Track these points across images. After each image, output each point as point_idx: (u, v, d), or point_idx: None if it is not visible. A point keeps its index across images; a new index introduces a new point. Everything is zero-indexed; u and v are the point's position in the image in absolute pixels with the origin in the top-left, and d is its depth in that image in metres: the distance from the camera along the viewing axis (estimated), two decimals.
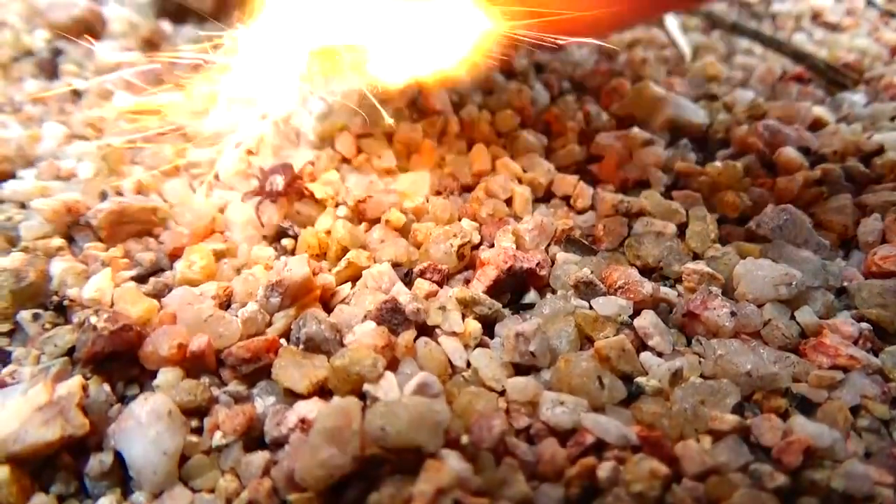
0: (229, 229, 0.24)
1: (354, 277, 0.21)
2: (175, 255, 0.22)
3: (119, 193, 0.24)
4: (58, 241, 0.21)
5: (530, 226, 0.22)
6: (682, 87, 0.30)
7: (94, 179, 0.24)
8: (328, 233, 0.22)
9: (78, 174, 0.24)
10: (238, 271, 0.22)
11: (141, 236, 0.23)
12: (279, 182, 0.23)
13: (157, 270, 0.22)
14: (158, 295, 0.21)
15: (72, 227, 0.22)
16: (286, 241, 0.23)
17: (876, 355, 0.18)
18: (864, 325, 0.18)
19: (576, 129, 0.27)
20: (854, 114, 0.28)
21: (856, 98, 0.28)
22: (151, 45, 0.31)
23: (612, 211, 0.22)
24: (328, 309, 0.20)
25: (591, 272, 0.20)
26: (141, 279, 0.21)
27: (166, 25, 0.33)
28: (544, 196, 0.24)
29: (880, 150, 0.25)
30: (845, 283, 0.20)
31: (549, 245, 0.22)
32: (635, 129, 0.26)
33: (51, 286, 0.20)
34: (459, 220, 0.23)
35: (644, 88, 0.28)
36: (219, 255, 0.22)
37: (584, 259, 0.21)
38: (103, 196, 0.23)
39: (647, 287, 0.20)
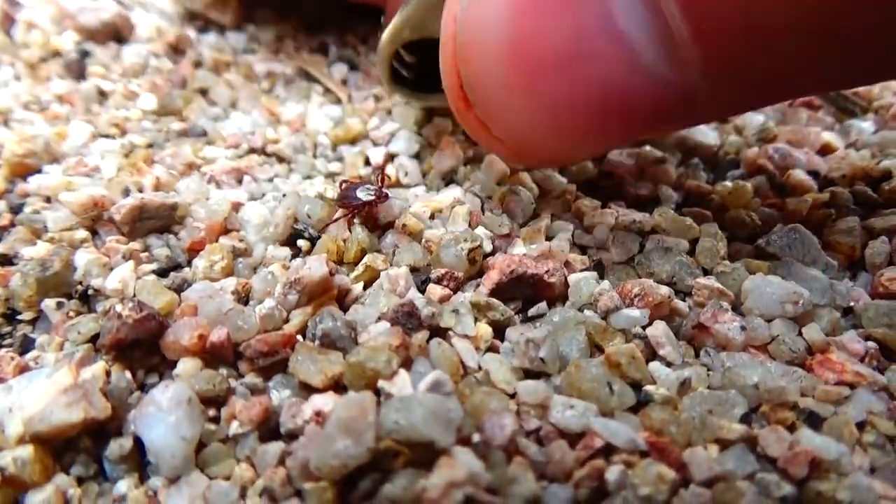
0: (243, 228, 0.24)
1: (370, 280, 0.22)
2: (192, 250, 0.23)
3: (140, 190, 0.24)
4: (82, 234, 0.22)
5: (538, 243, 0.22)
6: None
7: (117, 176, 0.24)
8: (344, 240, 0.23)
9: (102, 171, 0.25)
10: (254, 270, 0.23)
11: (161, 232, 0.23)
12: (366, 195, 0.23)
13: (175, 266, 0.22)
14: (178, 289, 0.21)
15: (96, 221, 0.22)
16: (301, 243, 0.24)
17: (882, 373, 0.18)
18: (871, 343, 0.19)
19: None
20: (863, 140, 0.28)
21: (864, 125, 0.29)
22: (177, 50, 0.31)
23: (625, 228, 0.23)
24: (343, 308, 0.21)
25: (609, 285, 0.20)
26: (162, 273, 0.22)
27: (191, 32, 0.34)
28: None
29: (888, 176, 0.25)
30: (852, 303, 0.20)
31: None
32: (647, 148, 0.27)
33: (75, 276, 0.21)
34: (473, 227, 0.23)
35: None
36: (236, 254, 0.23)
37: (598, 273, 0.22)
38: (126, 192, 0.23)
39: (664, 290, 0.20)
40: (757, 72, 0.16)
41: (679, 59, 0.16)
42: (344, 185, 0.24)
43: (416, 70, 0.25)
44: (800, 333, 0.19)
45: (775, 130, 0.28)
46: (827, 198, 0.24)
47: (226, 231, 0.24)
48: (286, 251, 0.23)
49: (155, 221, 0.23)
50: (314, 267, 0.20)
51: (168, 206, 0.23)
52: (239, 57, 0.34)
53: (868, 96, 0.32)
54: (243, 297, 0.21)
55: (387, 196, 0.23)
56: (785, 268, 0.21)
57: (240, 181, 0.26)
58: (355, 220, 0.24)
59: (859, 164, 0.26)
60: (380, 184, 0.24)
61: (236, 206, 0.24)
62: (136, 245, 0.22)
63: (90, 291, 0.20)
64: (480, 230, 0.23)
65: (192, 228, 0.23)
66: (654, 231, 0.23)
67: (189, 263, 0.22)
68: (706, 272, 0.22)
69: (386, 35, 0.24)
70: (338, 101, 0.32)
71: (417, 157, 0.27)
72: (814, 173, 0.26)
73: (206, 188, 0.25)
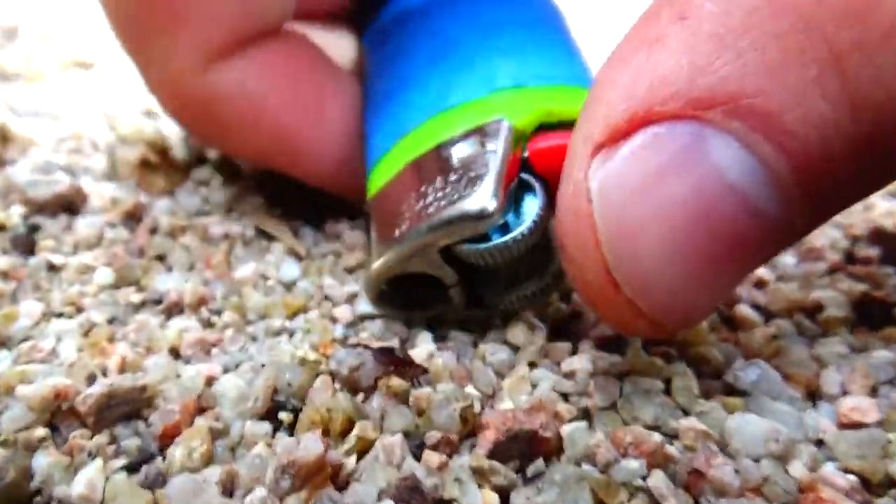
0: (219, 404, 0.23)
1: (363, 451, 0.21)
2: (166, 437, 0.21)
3: (105, 373, 0.23)
4: (41, 432, 0.20)
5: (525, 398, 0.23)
6: None
7: (78, 360, 0.23)
8: (328, 410, 0.22)
9: (59, 354, 0.23)
10: (232, 451, 0.21)
11: (129, 419, 0.22)
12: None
13: (147, 457, 0.21)
14: (153, 485, 0.19)
15: (56, 415, 0.21)
16: (283, 415, 0.23)
17: None
18: (851, 477, 0.20)
19: None
20: (788, 273, 0.31)
21: (786, 259, 0.32)
22: (134, 217, 0.31)
23: (604, 373, 0.24)
24: (338, 486, 0.20)
25: (604, 436, 0.21)
26: (133, 468, 0.20)
27: (143, 197, 0.34)
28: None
29: (820, 307, 0.28)
30: (821, 435, 0.22)
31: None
32: None
33: (33, 484, 0.19)
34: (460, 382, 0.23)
35: None
36: (214, 436, 0.22)
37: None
38: (91, 379, 0.22)
39: (656, 437, 0.21)
40: (840, 191, 0.19)
41: (781, 192, 0.18)
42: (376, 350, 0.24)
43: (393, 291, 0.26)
44: (786, 471, 0.20)
45: None
46: (774, 331, 0.26)
47: (201, 410, 0.22)
48: (266, 426, 0.22)
49: (123, 408, 0.21)
50: (309, 446, 0.19)
51: (137, 390, 0.22)
52: (194, 220, 0.33)
53: None
54: (229, 488, 0.19)
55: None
56: (757, 404, 0.23)
57: (208, 352, 0.25)
58: (337, 387, 0.23)
59: (792, 297, 0.29)
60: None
61: (209, 381, 0.23)
62: (102, 438, 0.20)
63: (53, 503, 0.18)
64: (469, 388, 0.23)
65: (165, 412, 0.21)
66: (630, 373, 0.24)
67: (161, 452, 0.21)
68: (685, 412, 0.23)
69: (375, 272, 0.24)
70: (298, 259, 0.32)
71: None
72: (756, 306, 0.28)
73: (175, 364, 0.24)
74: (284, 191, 0.37)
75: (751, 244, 0.19)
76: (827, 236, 0.35)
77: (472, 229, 0.22)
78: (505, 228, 0.23)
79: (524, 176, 0.24)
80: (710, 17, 0.18)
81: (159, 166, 0.35)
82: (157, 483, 0.19)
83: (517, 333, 0.26)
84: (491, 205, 0.21)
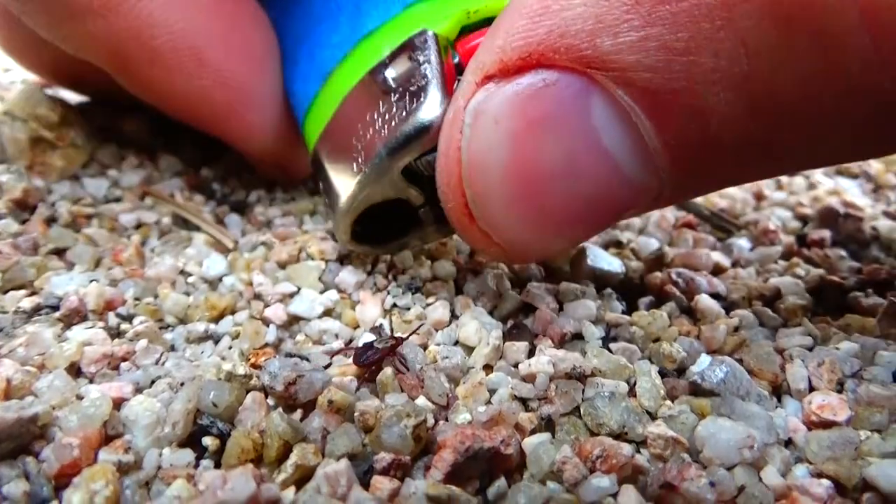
0: (129, 431, 0.20)
1: (302, 480, 0.18)
2: (62, 476, 0.18)
3: None
4: None
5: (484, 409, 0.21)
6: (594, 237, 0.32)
7: None
8: (261, 432, 0.19)
9: None
10: (147, 488, 0.18)
11: (16, 456, 0.18)
12: (383, 344, 0.22)
13: (39, 503, 0.17)
14: None
15: None
16: (208, 441, 0.20)
17: None
18: (826, 482, 0.19)
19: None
20: (744, 258, 0.30)
21: (741, 243, 0.31)
22: (25, 206, 0.27)
23: (566, 376, 0.22)
24: None
25: (570, 450, 0.19)
26: None
27: (39, 181, 0.29)
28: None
29: (779, 294, 0.27)
30: (791, 435, 0.21)
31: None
32: (564, 284, 0.27)
33: None
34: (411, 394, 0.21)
35: None
36: (121, 471, 0.18)
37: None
38: None
39: (626, 450, 0.19)
40: (713, 173, 0.20)
41: (652, 166, 0.19)
42: (354, 350, 0.23)
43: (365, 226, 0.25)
44: (760, 479, 0.19)
45: (671, 254, 0.30)
46: (736, 322, 0.25)
47: (106, 440, 0.19)
48: (188, 455, 0.19)
49: (8, 444, 0.18)
50: (238, 485, 0.17)
51: (26, 421, 0.18)
52: (100, 207, 0.29)
53: (733, 212, 0.35)
54: None
55: (402, 339, 0.23)
56: (727, 406, 0.21)
57: (116, 368, 0.22)
58: (271, 403, 0.21)
59: (752, 283, 0.28)
60: (390, 330, 0.24)
61: (117, 403, 0.20)
62: None
63: None
64: (421, 400, 0.21)
65: (62, 447, 0.18)
66: (593, 374, 0.23)
67: (57, 496, 0.17)
68: (651, 416, 0.22)
69: (343, 210, 0.24)
70: (224, 252, 0.28)
71: (329, 314, 0.25)
72: (715, 295, 0.27)
73: (74, 384, 0.20)
74: (206, 173, 0.33)
75: (611, 207, 0.20)
76: (778, 217, 0.35)
77: (430, 140, 0.21)
78: None
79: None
80: None
81: (56, 145, 0.30)
82: None
83: (469, 332, 0.24)
84: (440, 112, 0.21)
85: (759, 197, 0.37)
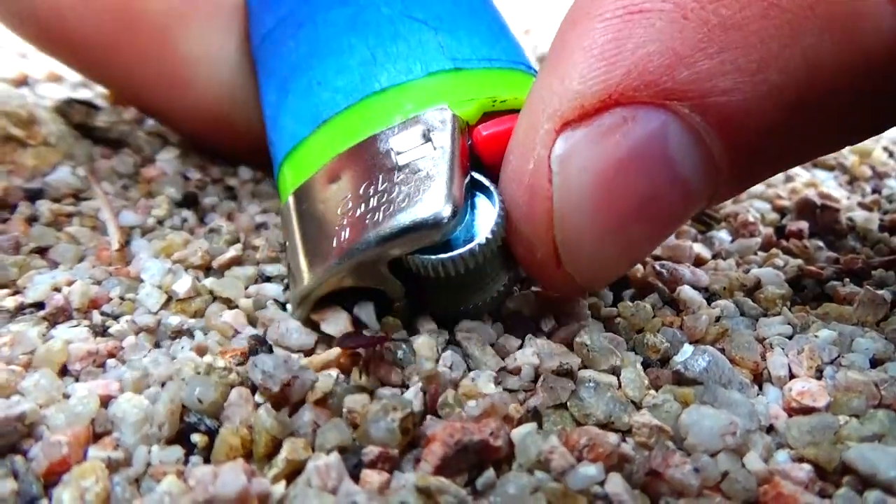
0: (117, 429, 0.20)
1: (293, 474, 0.19)
2: (52, 474, 0.18)
3: None
4: None
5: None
6: None
7: None
8: (249, 427, 0.20)
9: None
10: (137, 484, 0.18)
11: (4, 455, 0.18)
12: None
13: (28, 502, 0.17)
14: None
15: None
16: (197, 437, 0.20)
17: (829, 499, 0.18)
18: (807, 466, 0.19)
19: None
20: (725, 250, 0.31)
21: (722, 235, 0.32)
22: (4, 206, 0.26)
23: (554, 372, 0.22)
24: None
25: (557, 440, 0.19)
26: None
27: (17, 180, 0.29)
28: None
29: (759, 285, 0.28)
30: (772, 422, 0.21)
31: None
32: None
33: None
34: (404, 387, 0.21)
35: None
36: (110, 468, 0.18)
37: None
38: None
39: (612, 439, 0.19)
40: (760, 175, 0.23)
41: (715, 180, 0.20)
42: (340, 336, 0.22)
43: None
44: (743, 465, 0.20)
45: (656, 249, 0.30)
46: (718, 313, 0.26)
47: (94, 437, 0.19)
48: (177, 452, 0.19)
49: None
50: (229, 480, 0.17)
51: (13, 419, 0.18)
52: (81, 205, 0.29)
53: (714, 206, 0.35)
54: None
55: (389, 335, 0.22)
56: (710, 393, 0.22)
57: (102, 366, 0.22)
58: (259, 400, 0.21)
59: (732, 274, 0.28)
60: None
61: (105, 401, 0.20)
62: None
63: None
64: (409, 393, 0.21)
65: (50, 444, 0.18)
66: (580, 367, 0.23)
67: (47, 494, 0.17)
68: (636, 405, 0.22)
69: (308, 289, 0.22)
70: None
71: None
72: (697, 286, 0.28)
73: (60, 383, 0.20)
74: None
75: (680, 219, 0.22)
76: (757, 209, 0.36)
77: (428, 238, 0.19)
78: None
79: (476, 175, 0.21)
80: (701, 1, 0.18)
81: (26, 143, 0.29)
82: None
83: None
84: (447, 210, 0.19)
85: None
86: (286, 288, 0.26)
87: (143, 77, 0.28)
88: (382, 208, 0.20)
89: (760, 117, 0.19)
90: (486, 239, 0.20)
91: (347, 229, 0.20)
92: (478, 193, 0.21)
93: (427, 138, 0.20)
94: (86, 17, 0.26)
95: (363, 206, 0.20)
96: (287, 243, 0.23)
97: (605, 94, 0.18)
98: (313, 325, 0.23)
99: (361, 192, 0.20)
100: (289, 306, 0.24)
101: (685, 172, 0.19)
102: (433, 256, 0.20)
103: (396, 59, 0.22)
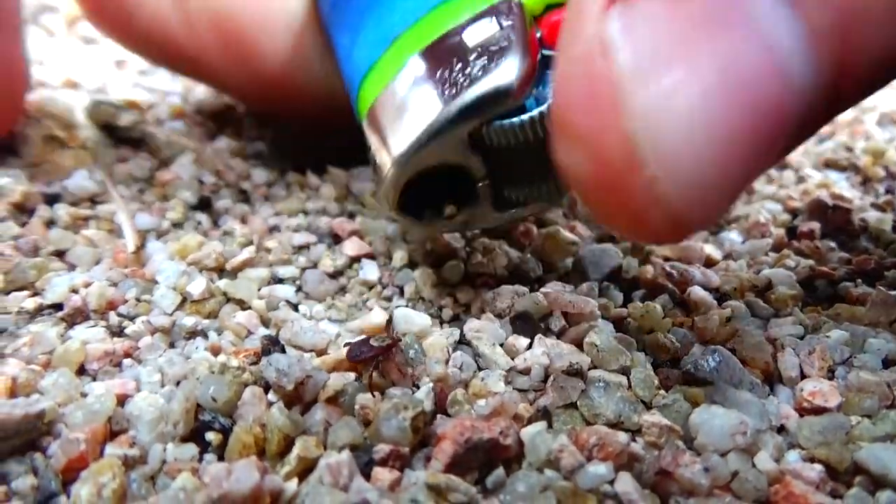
0: (133, 427, 0.20)
1: (305, 471, 0.19)
2: (70, 471, 0.18)
3: None
4: None
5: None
6: (584, 230, 0.32)
7: None
8: (262, 426, 0.20)
9: None
10: (152, 481, 0.19)
11: (24, 453, 0.18)
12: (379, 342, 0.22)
13: (47, 498, 0.18)
14: None
15: None
16: (211, 436, 0.20)
17: (841, 499, 0.18)
18: (818, 466, 0.19)
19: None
20: (736, 251, 0.31)
21: (732, 236, 0.32)
22: (24, 210, 0.27)
23: (561, 367, 0.22)
24: None
25: (567, 439, 0.19)
26: None
27: (39, 185, 0.29)
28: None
29: (770, 285, 0.28)
30: (783, 422, 0.21)
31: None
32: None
33: None
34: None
35: (555, 233, 0.30)
36: (127, 466, 0.19)
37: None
38: None
39: (622, 438, 0.19)
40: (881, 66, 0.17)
41: (824, 61, 0.16)
42: (348, 347, 0.22)
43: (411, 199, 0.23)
44: (753, 465, 0.20)
45: (665, 248, 0.30)
46: (729, 313, 0.26)
47: (111, 435, 0.19)
48: (192, 449, 0.19)
49: (15, 441, 0.18)
50: (242, 476, 0.17)
51: (32, 417, 0.19)
52: (98, 209, 0.30)
53: None
54: None
55: (399, 339, 0.22)
56: (720, 393, 0.22)
57: (118, 365, 0.22)
58: (272, 399, 0.21)
59: (744, 275, 0.28)
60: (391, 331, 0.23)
61: (121, 399, 0.20)
62: None
63: None
64: (420, 392, 0.21)
65: (68, 441, 0.18)
66: (590, 367, 0.23)
67: (65, 490, 0.18)
68: (646, 405, 0.22)
69: (396, 166, 0.21)
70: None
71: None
72: (708, 287, 0.28)
73: (78, 382, 0.21)
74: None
75: (788, 117, 0.16)
76: (768, 210, 0.35)
77: (504, 104, 0.20)
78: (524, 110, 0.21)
79: (546, 52, 0.21)
80: None
81: (67, 145, 0.30)
82: None
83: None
84: (520, 75, 0.20)
85: (749, 191, 0.37)
86: (298, 289, 0.27)
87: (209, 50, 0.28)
88: (460, 82, 0.20)
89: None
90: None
91: (428, 107, 0.21)
92: (548, 71, 0.21)
93: (497, 23, 0.21)
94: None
95: (441, 86, 0.21)
96: (371, 148, 0.23)
97: None
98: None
99: (438, 76, 0.21)
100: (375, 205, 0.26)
101: (778, 41, 0.16)
102: (509, 121, 0.20)
103: None
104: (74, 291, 0.24)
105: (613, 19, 0.16)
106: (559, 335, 0.25)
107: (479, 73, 0.20)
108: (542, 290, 0.26)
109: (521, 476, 0.19)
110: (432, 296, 0.27)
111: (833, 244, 0.32)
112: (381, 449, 0.19)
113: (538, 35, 0.22)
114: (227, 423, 0.20)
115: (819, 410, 0.21)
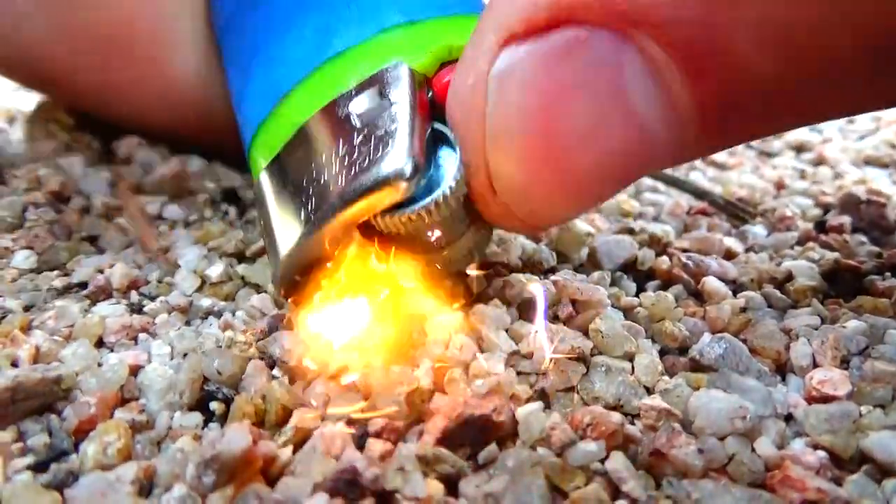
0: (143, 395, 0.21)
1: (301, 441, 0.19)
2: (80, 432, 0.19)
3: (14, 364, 0.21)
4: None
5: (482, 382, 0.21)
6: (602, 223, 0.32)
7: None
8: (263, 397, 0.20)
9: None
10: (158, 446, 0.20)
11: (41, 413, 0.20)
12: None
13: (59, 454, 0.19)
14: (62, 486, 0.17)
15: None
16: (215, 405, 0.21)
17: (839, 485, 0.18)
18: (821, 453, 0.19)
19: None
20: (759, 244, 0.30)
21: (757, 230, 0.31)
22: (61, 198, 0.29)
23: (565, 353, 0.22)
24: (270, 481, 0.18)
25: (560, 418, 0.19)
26: (39, 467, 0.18)
27: (78, 167, 0.31)
28: None
29: (790, 277, 0.27)
30: (791, 410, 0.21)
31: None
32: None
33: None
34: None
35: (571, 225, 0.30)
36: (134, 429, 0.20)
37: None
38: None
39: (615, 417, 0.19)
40: (741, 126, 0.19)
41: (679, 122, 0.18)
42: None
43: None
44: (753, 450, 0.19)
45: (683, 239, 0.30)
46: (743, 303, 0.25)
47: (122, 402, 0.20)
48: (196, 417, 0.20)
49: (33, 402, 0.19)
50: (234, 438, 0.17)
51: (50, 381, 0.20)
52: (130, 198, 0.31)
53: (752, 201, 0.34)
54: (146, 487, 0.18)
55: None
56: (723, 379, 0.21)
57: (134, 339, 0.23)
58: (277, 374, 0.22)
59: (763, 267, 0.27)
60: None
61: (134, 370, 0.21)
62: (5, 436, 0.18)
63: None
64: (418, 370, 0.21)
65: (80, 404, 0.19)
66: (592, 352, 0.23)
67: (76, 448, 0.19)
68: (648, 390, 0.22)
69: (285, 263, 0.21)
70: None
71: None
72: (724, 279, 0.27)
73: (96, 353, 0.22)
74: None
75: (635, 165, 0.19)
76: (798, 205, 0.34)
77: (392, 196, 0.19)
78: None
79: (437, 126, 0.20)
80: None
81: (72, 147, 0.32)
82: (66, 483, 0.18)
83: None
84: (408, 166, 0.18)
85: (780, 186, 0.36)
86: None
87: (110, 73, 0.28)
88: (345, 172, 0.19)
89: (735, 58, 0.16)
90: (449, 188, 0.19)
91: (313, 198, 0.20)
92: (441, 146, 0.20)
93: (384, 96, 0.20)
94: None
95: (326, 173, 0.20)
96: (261, 223, 0.23)
97: (556, 8, 0.16)
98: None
99: (324, 159, 0.20)
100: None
101: (641, 109, 0.17)
102: (397, 212, 0.19)
103: (349, 22, 0.22)
104: (100, 272, 0.26)
105: (500, 60, 0.18)
106: (566, 322, 0.25)
107: (365, 162, 0.19)
108: (552, 277, 0.26)
109: (513, 452, 0.19)
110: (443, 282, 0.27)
111: (864, 239, 0.31)
112: (376, 422, 0.20)
113: (430, 96, 0.21)
114: (231, 394, 0.21)
115: (827, 399, 0.20)
